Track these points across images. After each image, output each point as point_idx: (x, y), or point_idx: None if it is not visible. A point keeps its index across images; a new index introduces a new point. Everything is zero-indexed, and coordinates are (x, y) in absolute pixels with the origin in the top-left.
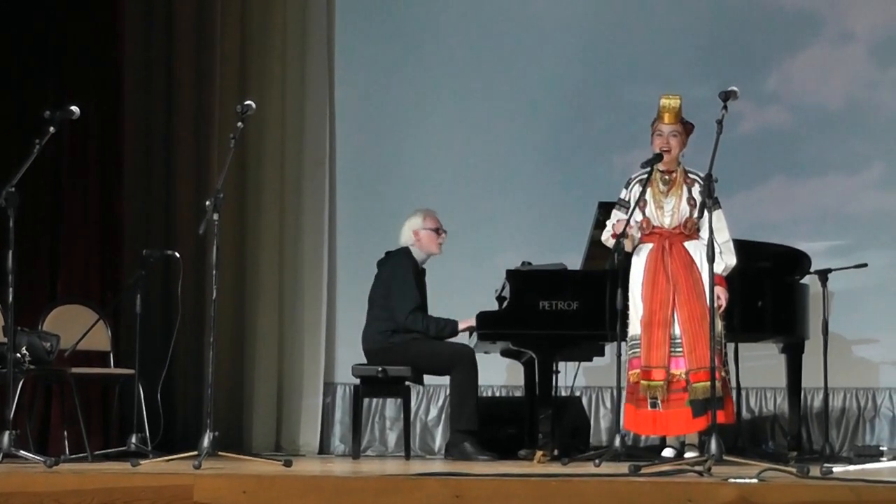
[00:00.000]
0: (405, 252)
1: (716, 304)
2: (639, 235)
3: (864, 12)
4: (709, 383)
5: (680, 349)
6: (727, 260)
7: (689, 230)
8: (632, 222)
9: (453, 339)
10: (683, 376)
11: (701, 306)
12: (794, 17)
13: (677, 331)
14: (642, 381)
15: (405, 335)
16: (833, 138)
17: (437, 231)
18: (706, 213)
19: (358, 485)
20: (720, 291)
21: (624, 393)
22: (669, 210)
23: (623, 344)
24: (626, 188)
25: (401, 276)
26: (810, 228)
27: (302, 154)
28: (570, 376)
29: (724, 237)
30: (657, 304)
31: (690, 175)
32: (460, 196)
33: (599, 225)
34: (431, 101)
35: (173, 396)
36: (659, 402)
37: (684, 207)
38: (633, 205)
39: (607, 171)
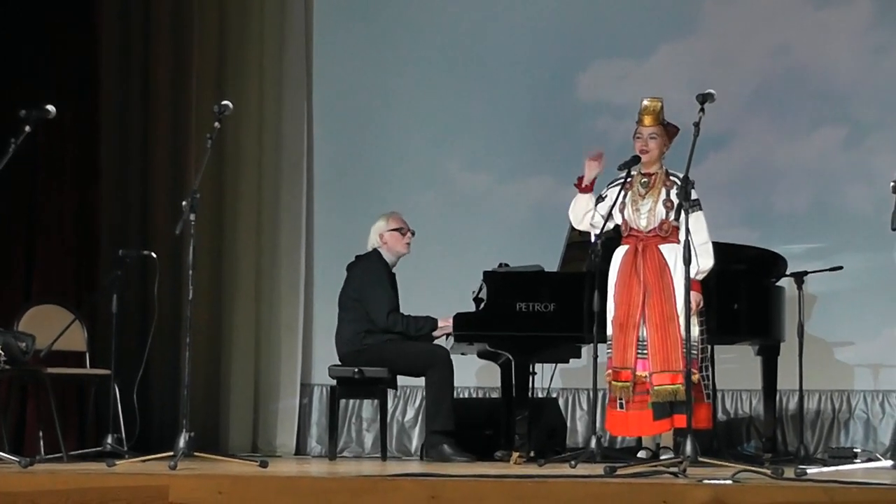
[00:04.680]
0: (375, 254)
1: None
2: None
3: None
4: (672, 387)
5: (646, 351)
6: (702, 263)
7: (665, 232)
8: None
9: (429, 340)
10: (647, 378)
11: (669, 309)
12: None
13: (645, 333)
14: (613, 382)
15: (380, 336)
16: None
17: (402, 231)
18: (683, 215)
19: (334, 485)
20: (693, 295)
21: (605, 394)
22: (645, 212)
23: (602, 345)
24: (609, 186)
25: (374, 278)
26: (786, 231)
27: (279, 154)
28: (546, 378)
29: (701, 239)
30: (627, 306)
31: (671, 177)
32: (438, 197)
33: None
34: (409, 103)
35: (149, 397)
36: (624, 402)
37: (660, 209)
38: (608, 208)
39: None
